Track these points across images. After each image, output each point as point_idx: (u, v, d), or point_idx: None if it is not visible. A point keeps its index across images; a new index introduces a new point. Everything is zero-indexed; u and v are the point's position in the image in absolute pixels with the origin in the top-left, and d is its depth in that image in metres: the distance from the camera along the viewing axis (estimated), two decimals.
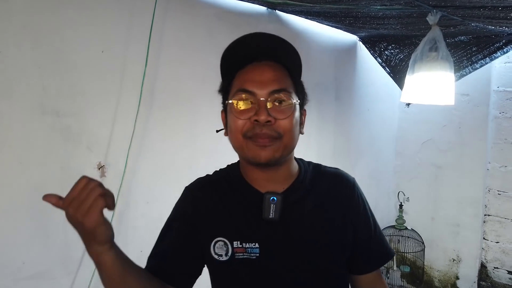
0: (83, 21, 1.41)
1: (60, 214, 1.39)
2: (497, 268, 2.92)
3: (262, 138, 0.80)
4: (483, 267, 2.99)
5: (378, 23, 1.95)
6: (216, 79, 1.85)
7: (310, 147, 2.48)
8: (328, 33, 2.46)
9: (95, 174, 1.50)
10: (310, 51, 2.37)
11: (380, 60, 2.67)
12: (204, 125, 1.86)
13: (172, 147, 1.74)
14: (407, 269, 3.12)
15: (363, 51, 2.77)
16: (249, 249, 0.86)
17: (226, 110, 0.89)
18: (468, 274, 2.99)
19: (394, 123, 3.29)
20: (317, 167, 1.00)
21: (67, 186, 1.42)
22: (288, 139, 0.83)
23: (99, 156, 1.51)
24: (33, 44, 1.30)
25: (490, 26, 1.79)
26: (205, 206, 0.91)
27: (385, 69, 2.68)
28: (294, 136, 0.86)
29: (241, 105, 0.83)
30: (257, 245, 0.86)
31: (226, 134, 0.91)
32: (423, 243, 3.04)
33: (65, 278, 1.44)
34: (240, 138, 0.83)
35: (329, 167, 1.02)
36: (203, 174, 1.85)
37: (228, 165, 1.00)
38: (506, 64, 2.75)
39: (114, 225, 1.54)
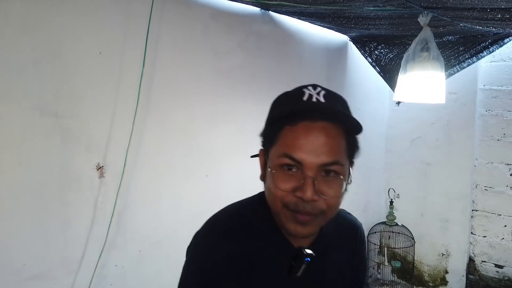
0: (81, 22, 1.41)
1: (60, 214, 1.40)
2: (484, 261, 3.01)
3: (303, 215, 0.72)
4: (471, 261, 3.07)
5: (369, 23, 1.99)
6: (211, 78, 1.88)
7: None
8: (320, 34, 2.50)
9: (94, 175, 1.50)
10: (303, 51, 2.41)
11: (370, 60, 2.72)
12: (200, 124, 1.87)
13: (169, 147, 1.75)
14: (398, 264, 3.19)
15: (354, 51, 2.82)
16: None
17: (266, 153, 0.79)
18: (456, 268, 3.07)
19: (384, 121, 3.35)
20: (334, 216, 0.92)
21: (67, 187, 1.44)
22: (331, 214, 0.76)
23: (98, 157, 1.51)
24: (31, 45, 1.30)
25: (477, 27, 1.85)
26: (228, 262, 0.76)
27: (375, 68, 2.73)
28: (338, 207, 0.77)
29: (284, 174, 0.73)
30: None
31: (262, 179, 0.82)
32: (413, 238, 3.11)
33: (65, 278, 1.44)
34: (279, 206, 0.74)
35: (343, 213, 0.97)
36: (198, 174, 1.87)
37: (252, 199, 0.87)
38: (491, 63, 2.83)
39: (113, 225, 1.56)
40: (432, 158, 3.13)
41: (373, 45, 2.69)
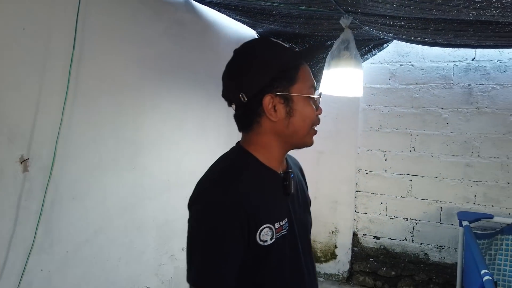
0: None
1: None
2: (365, 235, 3.50)
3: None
4: (355, 235, 3.53)
5: (288, 21, 2.14)
6: (138, 67, 1.79)
7: (220, 139, 2.56)
8: (233, 27, 2.57)
9: (17, 169, 1.31)
10: (219, 42, 2.44)
11: None
12: (127, 115, 1.77)
13: (97, 138, 1.62)
14: None
15: None
16: (284, 226, 0.95)
17: (282, 93, 0.93)
18: (344, 243, 3.51)
19: None
20: None
21: None
22: None
23: (22, 149, 1.32)
24: None
25: (378, 32, 2.16)
26: (250, 200, 0.89)
27: None
28: None
29: (311, 101, 0.98)
30: (286, 219, 0.97)
31: (276, 118, 0.94)
32: None
33: None
34: (308, 126, 0.97)
35: None
36: (126, 167, 1.76)
37: (229, 154, 1.01)
38: (371, 65, 3.29)
39: (42, 225, 1.39)
40: (323, 147, 3.49)
41: None
